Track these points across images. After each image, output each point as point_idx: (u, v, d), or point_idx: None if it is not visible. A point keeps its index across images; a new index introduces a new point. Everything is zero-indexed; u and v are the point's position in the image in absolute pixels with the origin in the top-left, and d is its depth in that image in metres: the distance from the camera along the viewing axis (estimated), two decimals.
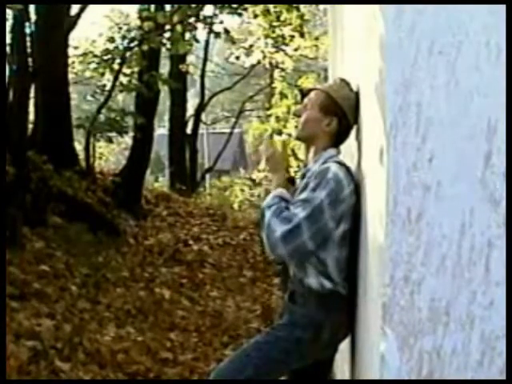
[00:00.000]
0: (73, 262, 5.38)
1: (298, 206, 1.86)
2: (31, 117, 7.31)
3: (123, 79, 8.42)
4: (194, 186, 13.45)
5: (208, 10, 8.79)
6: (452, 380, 1.32)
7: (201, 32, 10.60)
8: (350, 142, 2.11)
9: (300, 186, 2.02)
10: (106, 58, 8.12)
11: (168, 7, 7.83)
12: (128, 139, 11.48)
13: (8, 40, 5.92)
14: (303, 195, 1.90)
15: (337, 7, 3.31)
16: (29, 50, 6.27)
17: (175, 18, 6.82)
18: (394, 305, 1.34)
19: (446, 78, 1.32)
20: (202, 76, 14.87)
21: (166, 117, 16.57)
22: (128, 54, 7.74)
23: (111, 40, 8.37)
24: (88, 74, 10.38)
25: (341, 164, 1.95)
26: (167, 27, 7.12)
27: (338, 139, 2.07)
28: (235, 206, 12.80)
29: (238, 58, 13.93)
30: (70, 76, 8.90)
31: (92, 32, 11.72)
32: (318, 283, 1.94)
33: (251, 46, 13.36)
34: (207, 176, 16.97)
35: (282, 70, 14.71)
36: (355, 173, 1.99)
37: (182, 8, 6.87)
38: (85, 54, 9.44)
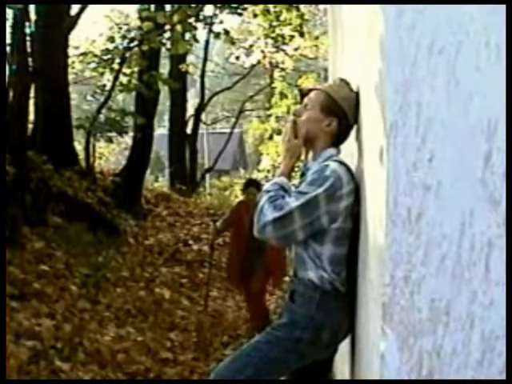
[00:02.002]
0: (73, 262, 5.38)
1: (292, 197, 1.89)
2: (31, 117, 7.32)
3: (123, 79, 8.42)
4: (194, 185, 13.45)
5: (208, 10, 8.80)
6: (452, 380, 1.32)
7: (201, 32, 10.62)
8: (350, 142, 2.11)
9: (300, 186, 2.03)
10: (105, 57, 8.12)
11: (168, 7, 7.83)
12: (128, 139, 11.49)
13: (8, 40, 5.92)
14: (299, 188, 1.93)
15: (337, 7, 3.31)
16: (29, 50, 6.27)
17: (175, 18, 6.82)
18: (394, 305, 1.34)
19: (446, 77, 1.32)
20: (202, 76, 14.88)
21: (166, 117, 16.59)
22: (128, 53, 7.74)
23: (111, 40, 8.37)
24: (88, 73, 10.40)
25: (341, 163, 1.95)
26: (167, 27, 7.12)
27: (338, 139, 2.07)
28: None
29: (237, 58, 13.94)
30: (70, 76, 8.92)
31: (92, 32, 11.73)
32: (317, 277, 1.95)
33: (251, 46, 13.36)
34: (207, 176, 16.98)
35: (282, 69, 14.72)
36: (355, 173, 1.99)
37: (181, 8, 6.87)
38: (85, 54, 9.45)
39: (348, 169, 1.95)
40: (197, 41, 7.95)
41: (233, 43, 9.21)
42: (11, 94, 6.06)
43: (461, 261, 1.31)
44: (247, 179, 5.84)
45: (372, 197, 1.63)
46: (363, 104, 1.91)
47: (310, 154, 2.11)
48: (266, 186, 2.00)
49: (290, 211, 1.84)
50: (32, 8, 6.80)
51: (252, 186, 4.87)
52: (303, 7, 12.03)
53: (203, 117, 17.43)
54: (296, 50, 13.23)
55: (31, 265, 4.85)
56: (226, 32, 8.03)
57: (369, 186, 1.72)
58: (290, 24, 11.37)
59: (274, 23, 11.41)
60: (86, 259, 5.63)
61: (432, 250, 1.32)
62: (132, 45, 7.81)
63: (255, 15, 11.06)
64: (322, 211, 1.86)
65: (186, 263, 7.06)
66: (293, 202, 1.86)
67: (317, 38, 13.72)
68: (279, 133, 16.24)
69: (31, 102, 6.96)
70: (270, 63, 14.09)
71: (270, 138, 17.22)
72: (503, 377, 1.28)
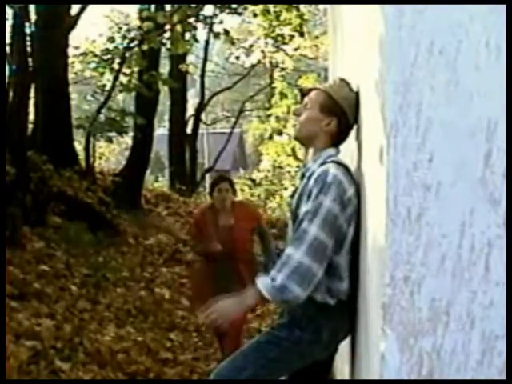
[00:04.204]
0: (73, 262, 5.38)
1: (310, 222, 1.81)
2: (31, 117, 7.31)
3: (123, 79, 8.42)
4: (194, 185, 13.44)
5: (208, 10, 8.80)
6: (452, 380, 1.32)
7: (201, 32, 10.63)
8: (350, 142, 2.11)
9: (300, 187, 2.02)
10: (105, 57, 8.12)
11: (168, 7, 7.84)
12: (128, 139, 11.49)
13: (8, 40, 5.92)
14: (309, 206, 1.85)
15: (337, 7, 3.31)
16: (29, 50, 6.27)
17: (175, 18, 6.82)
18: (394, 305, 1.34)
19: (446, 77, 1.32)
20: (202, 76, 14.88)
21: (166, 117, 16.58)
22: (128, 53, 7.73)
23: (111, 40, 8.37)
24: (88, 73, 10.39)
25: (339, 164, 1.94)
26: (167, 27, 7.11)
27: (337, 139, 2.06)
28: None
29: (237, 58, 13.95)
30: (70, 76, 8.91)
31: (92, 32, 11.72)
32: (322, 299, 1.93)
33: (251, 45, 13.36)
34: (207, 176, 16.97)
35: (282, 69, 14.72)
36: (355, 173, 1.98)
37: (181, 8, 6.87)
38: (85, 54, 9.45)
39: (347, 170, 1.95)
40: (197, 41, 7.95)
41: (233, 43, 9.21)
42: (11, 94, 6.06)
43: (461, 261, 1.31)
44: (216, 175, 4.35)
45: (372, 197, 1.63)
46: (363, 104, 1.91)
47: (310, 154, 2.10)
48: (265, 282, 1.82)
49: (314, 238, 1.79)
50: (32, 8, 6.80)
51: (224, 181, 3.85)
52: (303, 7, 12.03)
53: (203, 117, 17.42)
54: (296, 49, 13.23)
55: (31, 265, 4.85)
56: (226, 32, 8.02)
57: (369, 186, 1.72)
58: (289, 24, 11.37)
59: (274, 23, 11.41)
60: (86, 259, 5.63)
61: (432, 250, 1.32)
62: (132, 45, 7.81)
63: (255, 15, 11.07)
64: (341, 221, 1.86)
65: (185, 263, 7.06)
66: (313, 228, 1.80)
67: (317, 37, 13.72)
68: (279, 133, 16.25)
69: (31, 102, 6.96)
70: (270, 63, 14.10)
71: (270, 138, 17.22)
72: (503, 377, 1.28)
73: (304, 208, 1.89)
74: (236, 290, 3.44)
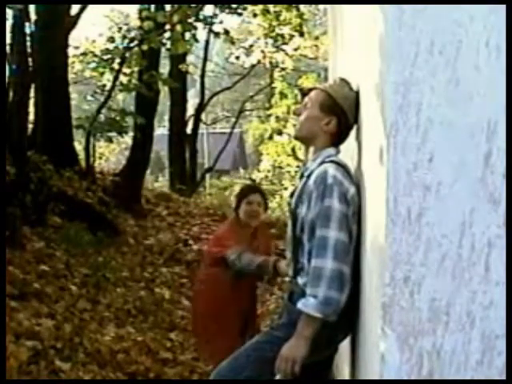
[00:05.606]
0: (73, 262, 5.38)
1: (328, 229, 1.82)
2: (31, 117, 7.32)
3: (123, 79, 8.42)
4: (194, 185, 13.45)
5: (208, 10, 8.81)
6: (452, 380, 1.32)
7: (201, 32, 10.63)
8: (350, 142, 2.11)
9: (299, 187, 2.02)
10: (105, 57, 8.13)
11: (168, 7, 7.84)
12: (128, 139, 11.49)
13: (8, 40, 5.92)
14: (316, 211, 1.87)
15: (337, 7, 3.31)
16: (29, 50, 6.28)
17: (175, 18, 6.82)
18: (394, 305, 1.34)
19: (446, 77, 1.32)
20: (202, 76, 14.87)
21: (166, 117, 16.58)
22: (128, 53, 7.73)
23: (111, 40, 8.37)
24: (88, 73, 10.40)
25: (338, 164, 1.94)
26: (167, 27, 7.12)
27: (337, 139, 2.06)
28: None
29: (237, 57, 13.96)
30: (70, 76, 8.91)
31: (92, 32, 11.72)
32: None
33: (251, 46, 13.38)
34: (207, 176, 16.98)
35: (282, 69, 14.73)
36: (355, 173, 1.98)
37: (182, 8, 6.87)
38: (85, 54, 9.45)
39: (346, 170, 1.95)
40: (197, 41, 7.95)
41: (233, 43, 9.22)
42: (11, 94, 6.06)
43: (461, 261, 1.31)
44: (245, 185, 3.84)
45: (372, 197, 1.63)
46: (363, 104, 1.91)
47: (310, 154, 2.10)
48: (310, 308, 1.83)
49: (336, 241, 1.81)
50: (32, 8, 6.80)
51: (255, 192, 3.20)
52: (303, 7, 12.05)
53: (203, 117, 17.43)
54: (296, 49, 13.24)
55: (31, 265, 4.85)
56: (226, 32, 8.03)
57: (369, 186, 1.72)
58: (289, 24, 11.39)
59: (274, 23, 11.43)
60: (86, 259, 5.62)
61: (432, 250, 1.32)
62: (132, 45, 7.81)
63: (255, 15, 11.09)
64: (350, 219, 1.86)
65: (185, 263, 7.06)
66: (332, 232, 1.81)
67: (317, 37, 13.73)
68: (279, 133, 16.27)
69: (31, 101, 6.96)
70: (270, 63, 14.11)
71: (270, 138, 17.23)
72: (503, 377, 1.28)
73: (305, 210, 1.90)
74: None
